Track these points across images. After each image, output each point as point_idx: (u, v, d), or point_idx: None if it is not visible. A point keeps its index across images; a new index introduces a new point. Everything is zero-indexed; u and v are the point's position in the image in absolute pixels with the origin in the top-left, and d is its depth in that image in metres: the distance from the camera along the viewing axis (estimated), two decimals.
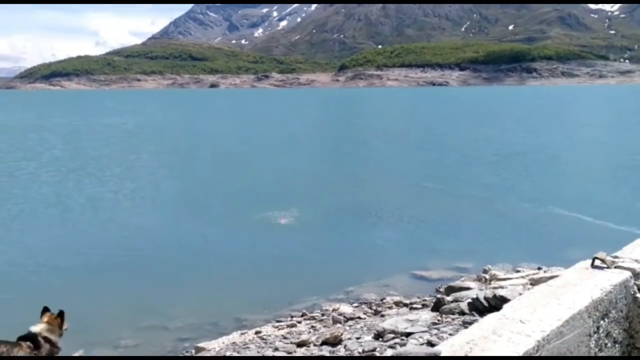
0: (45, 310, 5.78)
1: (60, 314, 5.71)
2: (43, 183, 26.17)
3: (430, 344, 6.30)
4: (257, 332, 9.24)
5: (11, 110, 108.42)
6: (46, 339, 5.51)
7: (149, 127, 61.02)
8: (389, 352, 3.56)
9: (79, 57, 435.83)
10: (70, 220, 19.26)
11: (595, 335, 4.56)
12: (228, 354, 7.83)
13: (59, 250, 15.48)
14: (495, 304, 7.01)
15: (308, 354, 7.20)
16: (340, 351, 7.15)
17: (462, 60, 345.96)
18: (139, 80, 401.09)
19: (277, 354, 7.41)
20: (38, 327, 5.59)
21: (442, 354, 3.73)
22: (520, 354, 3.80)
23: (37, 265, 13.99)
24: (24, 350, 5.36)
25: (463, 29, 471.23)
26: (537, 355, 3.92)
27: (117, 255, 14.75)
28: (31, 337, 5.52)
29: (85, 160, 33.58)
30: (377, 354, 6.38)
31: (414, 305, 10.02)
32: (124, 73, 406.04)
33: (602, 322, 4.62)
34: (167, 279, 12.57)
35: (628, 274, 4.83)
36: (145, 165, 32.40)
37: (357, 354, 6.80)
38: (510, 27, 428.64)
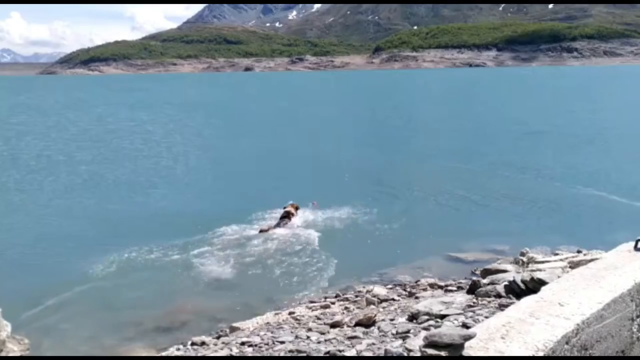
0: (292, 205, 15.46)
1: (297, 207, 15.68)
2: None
3: (466, 326, 6.22)
4: (290, 313, 9.28)
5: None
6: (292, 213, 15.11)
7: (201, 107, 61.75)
8: (423, 334, 3.51)
9: (116, 42, 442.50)
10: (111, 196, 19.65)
11: (639, 320, 4.43)
12: (262, 333, 7.90)
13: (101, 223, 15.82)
14: (533, 286, 6.87)
15: (341, 334, 7.20)
16: (374, 332, 7.13)
17: (499, 40, 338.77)
18: (174, 64, 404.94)
19: (310, 334, 7.43)
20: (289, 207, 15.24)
21: (477, 336, 3.67)
22: (559, 337, 3.71)
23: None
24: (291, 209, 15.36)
25: (501, 9, 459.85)
26: (575, 338, 3.82)
27: (151, 232, 14.96)
28: (288, 211, 15.12)
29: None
30: (411, 336, 6.33)
31: (449, 288, 9.92)
32: (160, 57, 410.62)
33: None
34: (201, 259, 12.71)
35: None
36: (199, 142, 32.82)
37: (390, 335, 6.77)
38: (550, 6, 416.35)
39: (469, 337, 3.43)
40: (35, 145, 33.57)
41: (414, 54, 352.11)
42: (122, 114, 58.04)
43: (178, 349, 8.30)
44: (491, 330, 3.78)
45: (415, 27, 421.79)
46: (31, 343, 3.68)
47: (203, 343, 8.32)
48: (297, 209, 15.70)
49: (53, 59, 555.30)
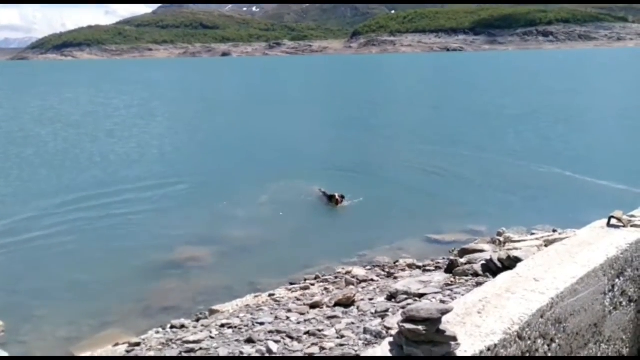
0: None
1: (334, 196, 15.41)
2: None
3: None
4: (270, 295, 9.31)
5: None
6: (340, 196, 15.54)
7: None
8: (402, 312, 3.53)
9: (89, 27, 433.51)
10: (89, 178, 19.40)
11: (610, 294, 4.52)
12: (242, 315, 7.91)
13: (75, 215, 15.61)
14: (510, 265, 6.96)
15: (321, 315, 7.24)
16: (353, 312, 7.18)
17: (476, 24, 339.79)
18: (150, 50, 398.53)
19: (290, 315, 7.47)
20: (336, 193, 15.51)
21: (454, 311, 3.71)
22: (534, 311, 3.78)
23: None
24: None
25: None
26: (550, 311, 3.89)
27: (131, 216, 14.84)
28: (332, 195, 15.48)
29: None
30: (390, 315, 6.39)
31: (427, 268, 10.01)
32: (135, 43, 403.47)
33: (617, 280, 4.57)
34: (181, 242, 12.66)
35: None
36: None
37: (369, 315, 6.83)
38: None
39: (446, 312, 3.45)
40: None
41: (392, 38, 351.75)
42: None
43: (157, 332, 8.27)
44: (468, 306, 3.82)
45: (393, 12, 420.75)
46: (6, 326, 3.64)
47: (182, 326, 8.31)
48: (330, 197, 15.84)
49: (24, 45, 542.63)
